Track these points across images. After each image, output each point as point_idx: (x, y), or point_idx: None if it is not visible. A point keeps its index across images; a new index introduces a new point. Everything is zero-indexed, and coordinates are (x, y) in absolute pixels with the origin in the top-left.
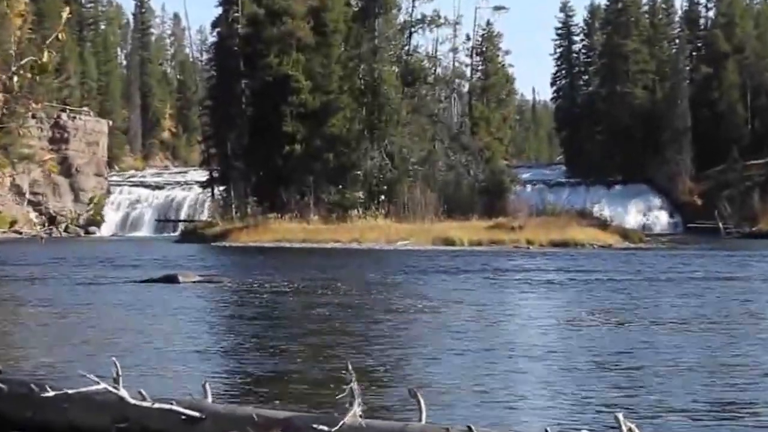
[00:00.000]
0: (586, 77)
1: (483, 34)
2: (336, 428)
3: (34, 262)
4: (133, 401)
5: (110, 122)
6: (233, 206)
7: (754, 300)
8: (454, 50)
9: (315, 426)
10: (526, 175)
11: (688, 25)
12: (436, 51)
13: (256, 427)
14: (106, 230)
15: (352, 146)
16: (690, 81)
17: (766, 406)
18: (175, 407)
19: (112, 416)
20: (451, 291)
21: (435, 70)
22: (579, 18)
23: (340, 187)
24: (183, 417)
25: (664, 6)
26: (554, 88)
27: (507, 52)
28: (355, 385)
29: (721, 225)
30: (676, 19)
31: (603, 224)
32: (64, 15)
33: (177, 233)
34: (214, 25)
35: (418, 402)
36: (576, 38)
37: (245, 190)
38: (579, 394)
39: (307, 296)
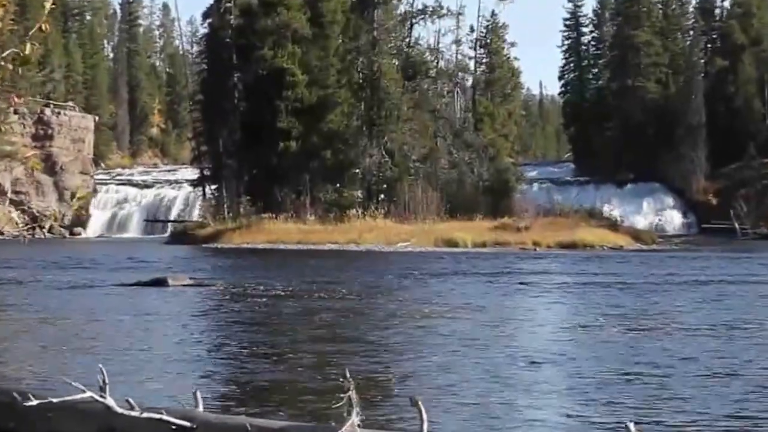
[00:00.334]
0: (596, 71)
1: (487, 26)
2: None
3: (16, 265)
4: (120, 410)
5: (96, 118)
6: (225, 206)
7: None
8: (457, 42)
9: None
10: (532, 174)
11: (703, 16)
12: (438, 43)
13: None
14: (91, 231)
15: (350, 143)
16: (705, 74)
17: None
18: (164, 417)
19: (99, 426)
20: (454, 295)
21: (437, 64)
22: (588, 8)
23: (338, 185)
24: (173, 427)
25: None
26: (562, 82)
27: (512, 44)
28: (353, 394)
29: (737, 225)
30: (690, 9)
31: (613, 225)
32: (48, 5)
33: (166, 234)
34: (205, 15)
35: (420, 411)
36: (585, 29)
37: (238, 189)
38: (589, 403)
39: (303, 300)
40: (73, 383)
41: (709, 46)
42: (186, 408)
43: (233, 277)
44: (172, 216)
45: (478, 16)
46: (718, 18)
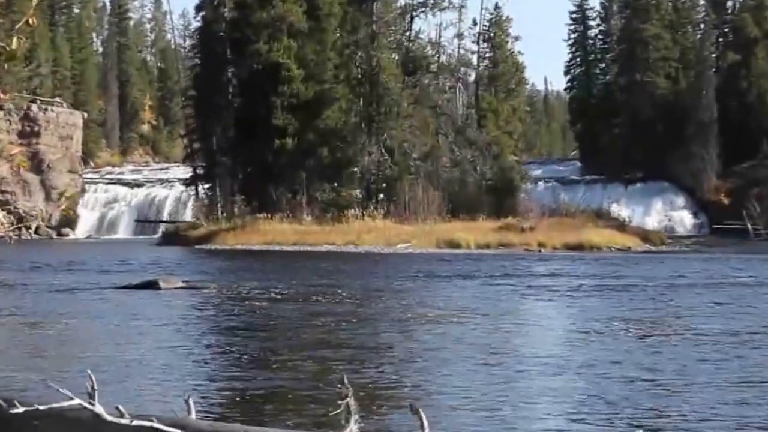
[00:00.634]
0: (603, 65)
1: (491, 19)
2: None
3: (1, 267)
4: (109, 418)
5: (85, 114)
6: (219, 206)
7: None
8: (460, 36)
9: None
10: (537, 172)
11: (714, 9)
12: (439, 37)
13: None
14: (80, 232)
15: (349, 140)
16: (716, 69)
17: None
18: (155, 425)
19: None
20: (456, 298)
21: (438, 58)
22: (595, 1)
23: (335, 184)
24: None
25: None
26: (568, 77)
27: (517, 38)
28: (351, 401)
29: (749, 226)
30: (701, 1)
31: (621, 225)
32: None
33: (158, 235)
34: (198, 8)
35: (420, 419)
36: (592, 23)
37: (232, 188)
38: (599, 412)
39: (300, 304)
40: (60, 390)
41: (720, 39)
42: (178, 416)
43: (227, 280)
44: (164, 216)
45: (481, 9)
46: (730, 10)
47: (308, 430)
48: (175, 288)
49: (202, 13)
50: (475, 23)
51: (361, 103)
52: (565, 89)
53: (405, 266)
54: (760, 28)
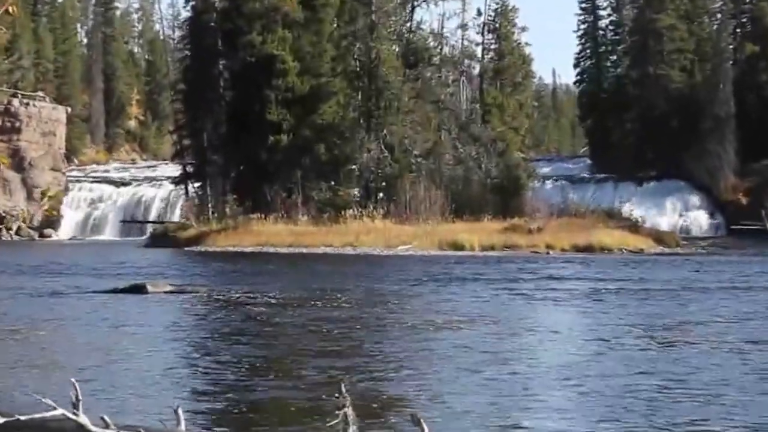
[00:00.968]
0: (615, 58)
1: (496, 9)
2: None
3: None
4: (94, 429)
5: (69, 109)
6: (210, 206)
7: None
8: (463, 27)
9: None
10: (545, 170)
11: None
12: (442, 28)
13: None
14: (63, 233)
15: (346, 137)
16: (734, 61)
17: None
18: None
19: None
20: (460, 303)
21: (441, 50)
22: None
23: (333, 183)
24: None
25: None
26: (578, 70)
27: (523, 29)
28: (349, 410)
29: None
30: None
31: (633, 226)
32: None
33: (145, 237)
34: None
35: (422, 429)
36: (603, 13)
37: (223, 187)
38: (611, 422)
39: (296, 309)
40: (43, 399)
41: (738, 30)
42: (166, 426)
43: (218, 284)
44: (152, 216)
45: None
46: (748, 0)
47: None
48: (164, 292)
49: (192, 3)
50: (479, 13)
51: (360, 97)
52: (575, 83)
53: (406, 269)
54: None
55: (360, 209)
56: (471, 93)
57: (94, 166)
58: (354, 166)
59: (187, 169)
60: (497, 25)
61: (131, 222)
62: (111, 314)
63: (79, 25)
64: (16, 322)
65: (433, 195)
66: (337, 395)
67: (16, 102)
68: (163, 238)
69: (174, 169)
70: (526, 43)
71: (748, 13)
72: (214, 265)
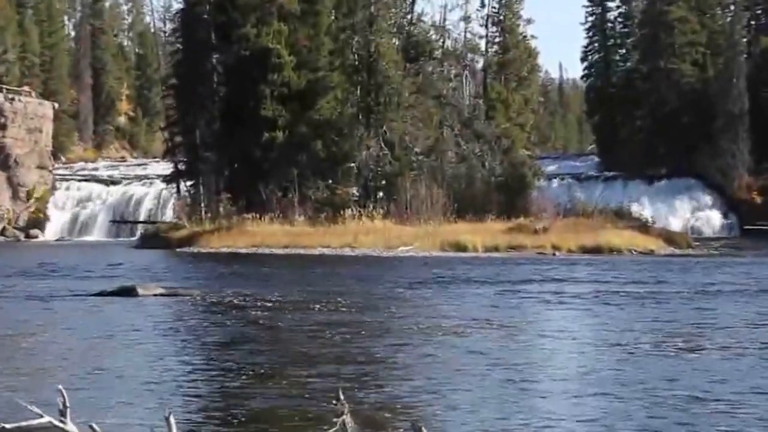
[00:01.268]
0: (624, 51)
1: (500, 0)
2: None
3: None
4: None
5: (56, 105)
6: (202, 205)
7: None
8: (466, 19)
9: None
10: (551, 168)
11: None
12: (444, 20)
13: None
14: (50, 233)
15: (345, 133)
16: (748, 55)
17: None
18: None
19: None
20: (464, 307)
21: (443, 43)
22: None
23: (330, 182)
24: None
25: None
26: (585, 64)
27: (529, 21)
28: (348, 418)
29: None
30: None
31: (643, 226)
32: None
33: (135, 237)
34: None
35: None
36: (611, 5)
37: (217, 185)
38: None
39: (292, 312)
40: (29, 407)
41: (752, 22)
42: None
43: (212, 286)
44: (142, 216)
45: None
46: None
47: None
48: (155, 295)
49: None
50: (483, 5)
51: (359, 92)
52: (582, 77)
53: (407, 271)
54: None
55: (359, 209)
56: (474, 88)
57: (82, 164)
58: (352, 164)
59: (179, 167)
60: (501, 17)
61: (121, 222)
62: (99, 318)
63: (66, 18)
64: (1, 326)
65: (434, 194)
66: (335, 402)
67: (0, 97)
68: (154, 238)
69: (165, 167)
70: (532, 36)
71: (763, 5)
72: (207, 267)
